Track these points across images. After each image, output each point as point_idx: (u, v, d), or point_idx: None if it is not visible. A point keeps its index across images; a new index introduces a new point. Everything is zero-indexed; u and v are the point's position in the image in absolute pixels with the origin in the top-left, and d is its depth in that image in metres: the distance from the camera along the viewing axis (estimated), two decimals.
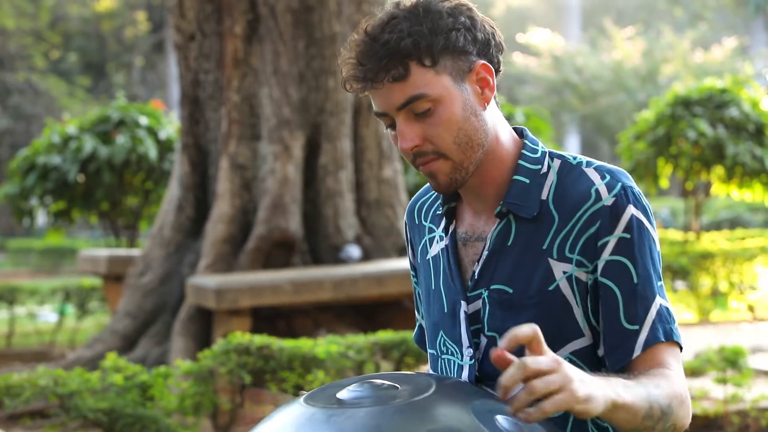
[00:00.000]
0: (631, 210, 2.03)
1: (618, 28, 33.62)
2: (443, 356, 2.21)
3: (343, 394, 1.85)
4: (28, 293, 11.26)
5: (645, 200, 2.08)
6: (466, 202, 2.19)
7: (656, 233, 2.09)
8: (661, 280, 2.09)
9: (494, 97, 2.12)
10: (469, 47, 2.04)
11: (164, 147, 11.46)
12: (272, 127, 7.41)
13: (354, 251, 7.38)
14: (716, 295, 11.94)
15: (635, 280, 2.03)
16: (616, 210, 2.03)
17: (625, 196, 2.04)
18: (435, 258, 2.23)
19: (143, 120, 11.46)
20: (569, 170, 2.10)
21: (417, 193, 2.37)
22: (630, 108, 29.76)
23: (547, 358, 1.74)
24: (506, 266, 2.09)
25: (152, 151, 11.09)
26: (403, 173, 8.15)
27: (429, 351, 2.31)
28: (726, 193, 13.78)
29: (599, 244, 2.04)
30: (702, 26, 37.35)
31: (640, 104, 28.66)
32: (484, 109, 2.08)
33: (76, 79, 34.58)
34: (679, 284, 12.38)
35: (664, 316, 2.04)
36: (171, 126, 11.73)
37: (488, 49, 2.08)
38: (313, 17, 7.49)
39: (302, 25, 7.48)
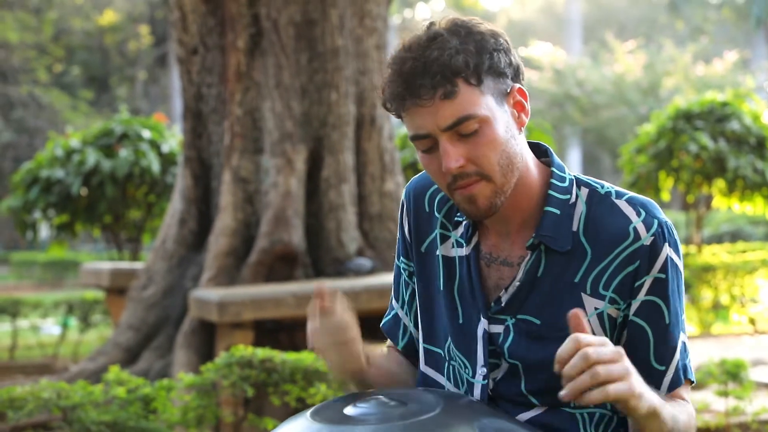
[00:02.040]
0: (667, 250, 2.04)
1: (619, 41, 33.65)
2: (452, 362, 2.20)
3: (349, 410, 1.85)
4: (31, 306, 11.27)
5: (676, 234, 2.08)
6: (488, 223, 2.16)
7: (682, 265, 2.09)
8: (684, 312, 2.12)
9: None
10: (507, 70, 2.04)
11: (167, 160, 11.48)
12: (275, 140, 7.43)
13: (365, 262, 7.38)
14: (717, 308, 11.93)
15: (667, 321, 2.05)
16: (655, 250, 2.03)
17: (662, 236, 2.04)
18: (450, 260, 2.20)
19: (146, 133, 11.49)
20: (599, 201, 2.09)
21: (419, 179, 2.30)
22: (631, 121, 29.77)
23: (610, 347, 1.80)
24: (536, 298, 2.08)
25: (155, 165, 11.11)
26: (404, 186, 8.15)
27: (429, 347, 2.27)
28: (727, 207, 13.78)
29: (636, 284, 2.04)
30: (703, 40, 37.37)
31: (641, 117, 28.67)
32: (521, 132, 2.07)
33: (79, 93, 34.63)
34: None
35: (683, 353, 2.09)
36: (174, 139, 11.75)
37: (520, 74, 2.08)
38: (315, 31, 7.51)
39: (305, 39, 7.50)
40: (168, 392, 4.76)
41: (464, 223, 2.18)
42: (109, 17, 35.80)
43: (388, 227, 7.70)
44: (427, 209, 2.25)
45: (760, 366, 8.47)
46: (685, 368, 2.08)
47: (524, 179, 2.08)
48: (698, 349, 9.73)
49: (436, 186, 2.24)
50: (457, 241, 2.19)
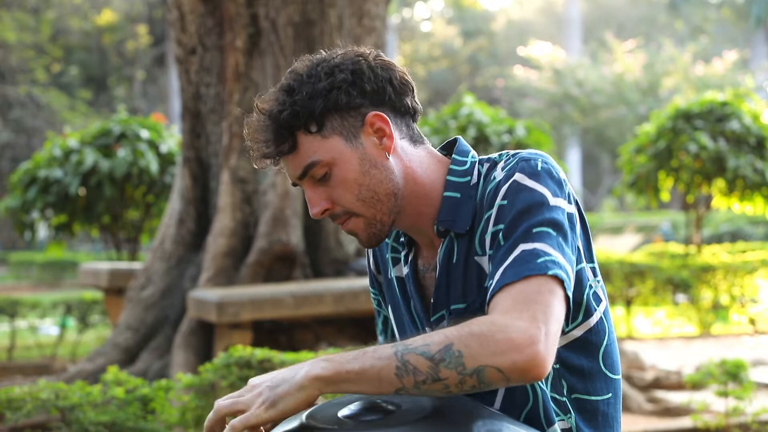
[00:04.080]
0: (516, 177, 1.98)
1: (619, 41, 33.66)
2: None
3: (344, 413, 1.84)
4: (30, 306, 11.26)
5: (542, 164, 2.00)
6: (418, 240, 2.18)
7: (547, 189, 1.97)
8: (542, 227, 1.95)
9: (409, 137, 2.10)
10: (356, 101, 2.03)
11: (165, 160, 11.47)
12: None
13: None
14: (717, 308, 11.93)
15: (502, 242, 1.96)
16: (504, 180, 2.00)
17: (515, 166, 2.00)
18: (401, 279, 2.22)
19: (144, 133, 11.47)
20: (489, 170, 2.08)
21: None
22: (631, 121, 29.80)
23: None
24: (457, 283, 2.08)
25: (153, 165, 11.10)
26: None
27: None
28: (727, 207, 13.78)
29: (485, 217, 2.02)
30: (703, 39, 37.40)
31: (640, 117, 28.69)
32: (387, 158, 2.05)
33: (78, 93, 34.63)
34: (681, 297, 12.37)
35: (521, 257, 1.92)
36: (172, 139, 11.73)
37: (383, 97, 2.05)
38: (314, 31, 7.50)
39: (303, 39, 7.49)
40: (166, 393, 4.75)
41: (403, 241, 2.22)
42: (107, 17, 35.81)
43: None
44: None
45: (760, 366, 8.47)
46: (526, 264, 1.89)
47: (416, 192, 2.09)
48: (698, 350, 9.73)
49: None
50: (403, 260, 2.22)
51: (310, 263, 7.43)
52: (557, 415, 2.07)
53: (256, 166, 2.11)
